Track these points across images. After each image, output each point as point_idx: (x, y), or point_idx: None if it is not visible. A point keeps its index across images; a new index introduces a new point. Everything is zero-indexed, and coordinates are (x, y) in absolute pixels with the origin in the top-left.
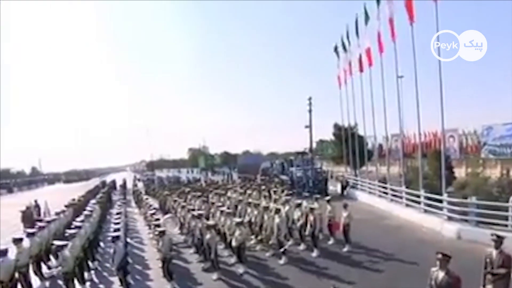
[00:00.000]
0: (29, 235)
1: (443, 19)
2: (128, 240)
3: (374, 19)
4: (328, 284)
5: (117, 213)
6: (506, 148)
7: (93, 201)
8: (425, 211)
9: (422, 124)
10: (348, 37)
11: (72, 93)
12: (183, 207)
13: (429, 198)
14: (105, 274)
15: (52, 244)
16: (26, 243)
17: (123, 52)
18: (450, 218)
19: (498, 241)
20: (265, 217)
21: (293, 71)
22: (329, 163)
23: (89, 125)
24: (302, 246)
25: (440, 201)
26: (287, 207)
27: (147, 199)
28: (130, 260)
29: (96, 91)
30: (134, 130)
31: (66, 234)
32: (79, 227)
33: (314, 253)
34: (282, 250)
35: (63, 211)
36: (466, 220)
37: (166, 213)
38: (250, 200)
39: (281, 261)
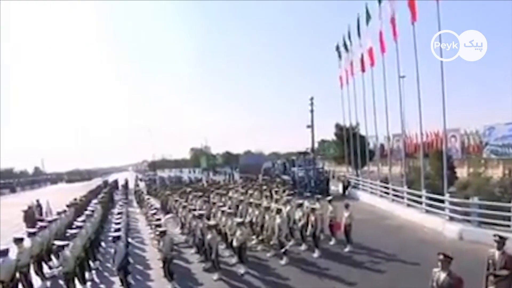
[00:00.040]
0: (30, 234)
1: (444, 18)
2: (130, 240)
3: (375, 19)
4: (329, 285)
5: (119, 213)
6: (508, 148)
7: (94, 201)
8: (427, 211)
9: (424, 124)
10: (349, 37)
11: (72, 93)
12: (184, 207)
13: (430, 198)
14: (106, 274)
15: (53, 244)
16: (27, 243)
17: (123, 52)
18: (452, 219)
19: (501, 242)
20: (266, 217)
21: (294, 71)
22: (330, 163)
23: (89, 125)
24: (303, 247)
25: (442, 201)
26: (288, 207)
27: (148, 199)
28: (131, 260)
29: (97, 91)
30: (134, 130)
31: (67, 234)
32: (80, 227)
33: (315, 254)
34: (283, 250)
35: (65, 211)
36: (468, 221)
37: (167, 213)
38: (251, 200)
39: (282, 262)
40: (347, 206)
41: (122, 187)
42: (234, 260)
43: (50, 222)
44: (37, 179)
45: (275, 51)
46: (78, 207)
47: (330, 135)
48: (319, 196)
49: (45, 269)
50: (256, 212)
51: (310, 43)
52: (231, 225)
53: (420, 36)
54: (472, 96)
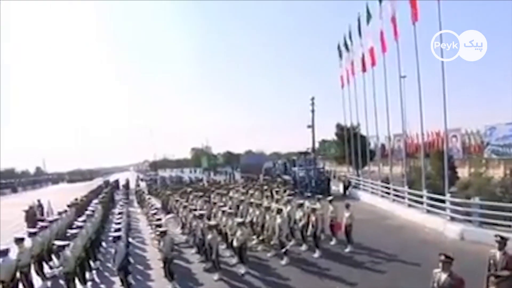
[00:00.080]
0: (31, 234)
1: (445, 18)
2: (130, 240)
3: (376, 18)
4: (330, 285)
5: (119, 213)
6: (509, 148)
7: (95, 201)
8: (428, 211)
9: (424, 123)
10: (350, 37)
11: (72, 93)
12: (185, 207)
13: (431, 198)
14: (106, 274)
15: (54, 244)
16: (28, 242)
17: (123, 52)
18: (453, 219)
19: (502, 242)
20: (267, 217)
21: (295, 71)
22: (331, 163)
23: (89, 125)
24: (304, 247)
25: (443, 201)
26: (289, 207)
27: (149, 199)
28: (131, 260)
29: (97, 91)
30: (135, 130)
31: (68, 234)
32: (80, 227)
33: (316, 254)
34: (283, 250)
35: (65, 211)
36: (469, 221)
37: (168, 213)
38: (252, 200)
39: (283, 262)
40: (347, 206)
41: (123, 187)
42: (234, 260)
43: (51, 222)
44: (39, 179)
45: (276, 51)
46: (79, 207)
47: (331, 135)
48: (320, 196)
49: (46, 269)
50: (257, 212)
51: (311, 43)
52: (231, 225)
53: (421, 36)
54: (473, 96)
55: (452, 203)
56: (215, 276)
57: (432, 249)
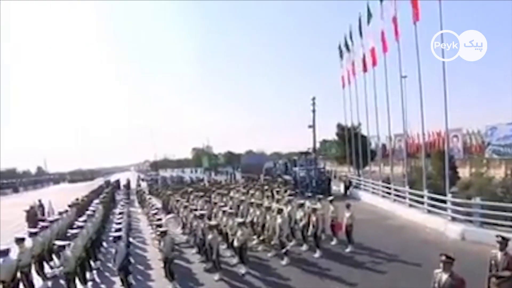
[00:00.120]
0: (32, 234)
1: (445, 18)
2: (131, 240)
3: (377, 18)
4: (330, 285)
5: (120, 213)
6: (510, 148)
7: (96, 201)
8: (429, 211)
9: (425, 123)
10: (351, 37)
11: (72, 93)
12: (185, 207)
13: (432, 199)
14: (107, 274)
15: (54, 244)
16: (28, 243)
17: (124, 52)
18: (454, 219)
19: (503, 243)
20: (268, 217)
21: (296, 71)
22: (332, 163)
23: (90, 125)
24: (304, 247)
25: (444, 201)
26: (289, 207)
27: (150, 199)
28: (132, 260)
29: (97, 91)
30: (135, 130)
31: (68, 234)
32: (81, 227)
33: (317, 254)
34: (284, 250)
35: (66, 211)
36: (470, 221)
37: (169, 213)
38: (252, 200)
39: (283, 262)
40: (348, 206)
41: (124, 187)
42: (235, 260)
43: (51, 222)
44: (40, 179)
45: (276, 51)
46: (80, 207)
47: (332, 135)
48: (321, 196)
49: (47, 269)
50: (257, 212)
51: (311, 42)
52: (232, 225)
53: (422, 35)
54: (474, 96)
55: (453, 203)
56: (216, 276)
57: (433, 249)
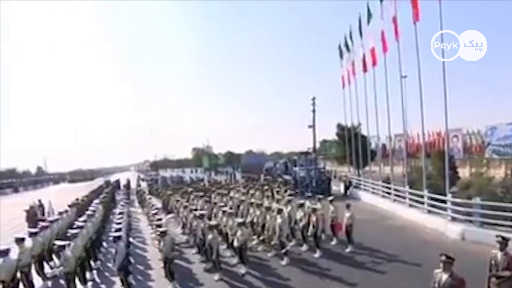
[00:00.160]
0: (32, 234)
1: (446, 18)
2: (131, 240)
3: (377, 18)
4: (330, 285)
5: (120, 213)
6: (510, 148)
7: (96, 201)
8: (429, 211)
9: (425, 123)
10: (351, 37)
11: (73, 93)
12: (185, 207)
13: (432, 199)
14: (107, 274)
15: (54, 244)
16: (28, 243)
17: (124, 52)
18: (454, 219)
19: (503, 243)
20: (268, 217)
21: (296, 71)
22: (332, 163)
23: (90, 125)
24: (304, 247)
25: (444, 201)
26: (289, 207)
27: (150, 199)
28: (132, 260)
29: (98, 91)
30: (136, 130)
31: (68, 234)
32: (81, 227)
33: (317, 254)
34: (284, 251)
35: (66, 211)
36: (470, 221)
37: (169, 213)
38: (252, 200)
39: (283, 262)
40: (348, 206)
41: (124, 187)
42: (235, 260)
43: (51, 222)
44: (40, 179)
45: (277, 51)
46: (80, 207)
47: (332, 135)
48: (321, 196)
49: (47, 269)
50: (257, 212)
51: (312, 43)
52: (232, 225)
53: (422, 35)
54: (474, 96)
55: (453, 203)
56: (216, 276)
57: (433, 250)
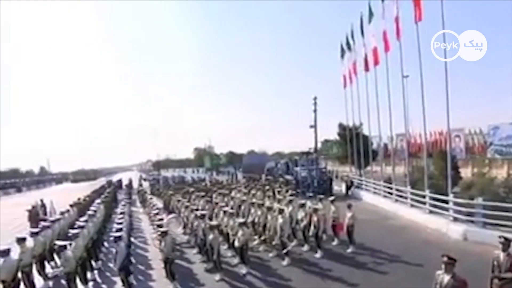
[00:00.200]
0: (33, 234)
1: (447, 18)
2: (132, 239)
3: (379, 18)
4: (331, 286)
5: (121, 213)
6: None
7: (98, 200)
8: (431, 211)
9: (427, 123)
10: (353, 36)
11: (74, 93)
12: (186, 207)
13: (434, 199)
14: (108, 274)
15: (55, 244)
16: (29, 242)
17: (125, 52)
18: (456, 219)
19: (506, 243)
20: (269, 217)
21: (297, 71)
22: (334, 163)
23: (92, 125)
24: (305, 247)
25: (446, 201)
26: (290, 208)
27: (151, 198)
28: (133, 260)
29: (98, 91)
30: (138, 130)
31: (69, 234)
32: (82, 227)
33: (318, 254)
34: (285, 251)
35: (68, 211)
36: (472, 221)
37: (170, 213)
38: (253, 200)
39: (284, 262)
40: (349, 207)
41: (126, 187)
42: (236, 260)
43: (53, 222)
44: (43, 179)
45: (278, 50)
46: (82, 207)
47: (333, 135)
48: (322, 196)
49: (48, 268)
50: (259, 212)
51: (313, 42)
52: (233, 225)
53: (424, 35)
54: (476, 95)
55: (455, 203)
56: (217, 277)
57: (435, 250)
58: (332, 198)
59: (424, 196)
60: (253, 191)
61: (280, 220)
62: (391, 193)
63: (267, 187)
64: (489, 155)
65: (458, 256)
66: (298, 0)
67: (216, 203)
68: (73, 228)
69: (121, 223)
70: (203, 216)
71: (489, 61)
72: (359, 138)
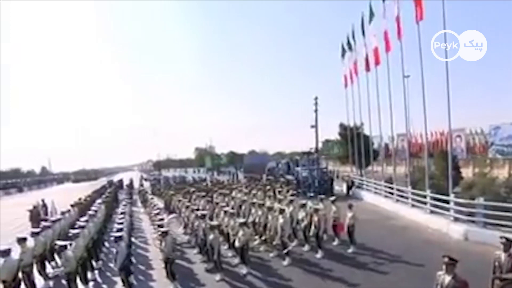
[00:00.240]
0: (34, 234)
1: (449, 18)
2: (133, 239)
3: (380, 18)
4: (332, 286)
5: (122, 213)
6: None
7: (99, 200)
8: (432, 211)
9: (428, 123)
10: (353, 36)
11: (74, 93)
12: (187, 207)
13: (435, 199)
14: (108, 274)
15: (56, 244)
16: (30, 242)
17: (126, 52)
18: (456, 219)
19: (507, 244)
20: (269, 217)
21: (298, 70)
22: (334, 163)
23: (91, 125)
24: (306, 247)
25: (447, 201)
26: (291, 208)
27: (152, 198)
28: (134, 260)
29: (99, 91)
30: (138, 130)
31: (70, 234)
32: (82, 227)
33: (318, 254)
34: (285, 251)
35: (69, 211)
36: (473, 221)
37: (171, 213)
38: (254, 200)
39: (285, 262)
40: (350, 207)
41: (127, 186)
42: (236, 260)
43: (53, 222)
44: (44, 179)
45: (279, 50)
46: (83, 207)
47: (334, 135)
48: (323, 196)
49: (48, 268)
50: (259, 212)
51: (314, 42)
52: (233, 225)
53: (425, 35)
54: (477, 95)
55: (456, 203)
56: (217, 277)
57: (436, 250)
58: (333, 198)
59: (425, 196)
60: (254, 191)
61: (281, 220)
62: (392, 193)
63: (268, 187)
64: (490, 155)
65: (459, 256)
66: (298, 0)
67: (217, 203)
68: (73, 228)
69: (121, 223)
70: (203, 216)
71: (490, 61)
72: (360, 138)
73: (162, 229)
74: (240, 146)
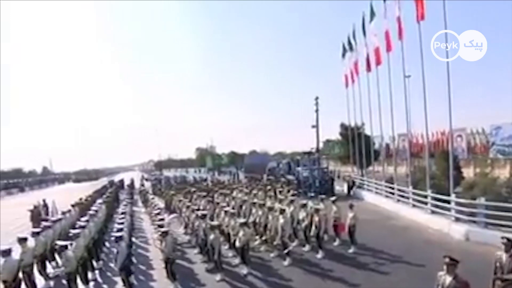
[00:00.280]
0: (34, 234)
1: (449, 18)
2: (133, 239)
3: (381, 18)
4: (332, 286)
5: (122, 213)
6: None
7: (99, 200)
8: (433, 212)
9: (429, 123)
10: (354, 36)
11: (74, 93)
12: (188, 207)
13: (436, 199)
14: (109, 274)
15: (56, 244)
16: (31, 242)
17: (126, 52)
18: (458, 219)
19: (509, 244)
20: (270, 217)
21: (299, 71)
22: (335, 163)
23: (92, 125)
24: (306, 247)
25: (448, 201)
26: (292, 208)
27: (153, 198)
28: (134, 260)
29: (99, 91)
30: (139, 130)
31: (70, 234)
32: (83, 227)
33: (319, 255)
34: (286, 251)
35: (69, 211)
36: (474, 221)
37: (171, 212)
38: (255, 200)
39: (285, 262)
40: (351, 207)
41: (128, 187)
42: (237, 260)
43: (54, 222)
44: (45, 178)
45: (280, 50)
46: (83, 206)
47: (335, 135)
48: (324, 196)
49: (49, 268)
50: (260, 212)
51: (315, 42)
52: (234, 225)
53: (425, 35)
54: (478, 95)
55: (457, 203)
56: (217, 277)
57: (437, 250)
58: (333, 198)
59: (426, 196)
60: (254, 191)
61: (281, 220)
62: (393, 193)
63: (268, 187)
64: (492, 155)
65: (460, 256)
66: (299, 0)
67: (218, 203)
68: (74, 228)
69: (122, 223)
70: (204, 216)
71: (490, 61)
72: (361, 138)
73: (163, 229)
74: (241, 146)
